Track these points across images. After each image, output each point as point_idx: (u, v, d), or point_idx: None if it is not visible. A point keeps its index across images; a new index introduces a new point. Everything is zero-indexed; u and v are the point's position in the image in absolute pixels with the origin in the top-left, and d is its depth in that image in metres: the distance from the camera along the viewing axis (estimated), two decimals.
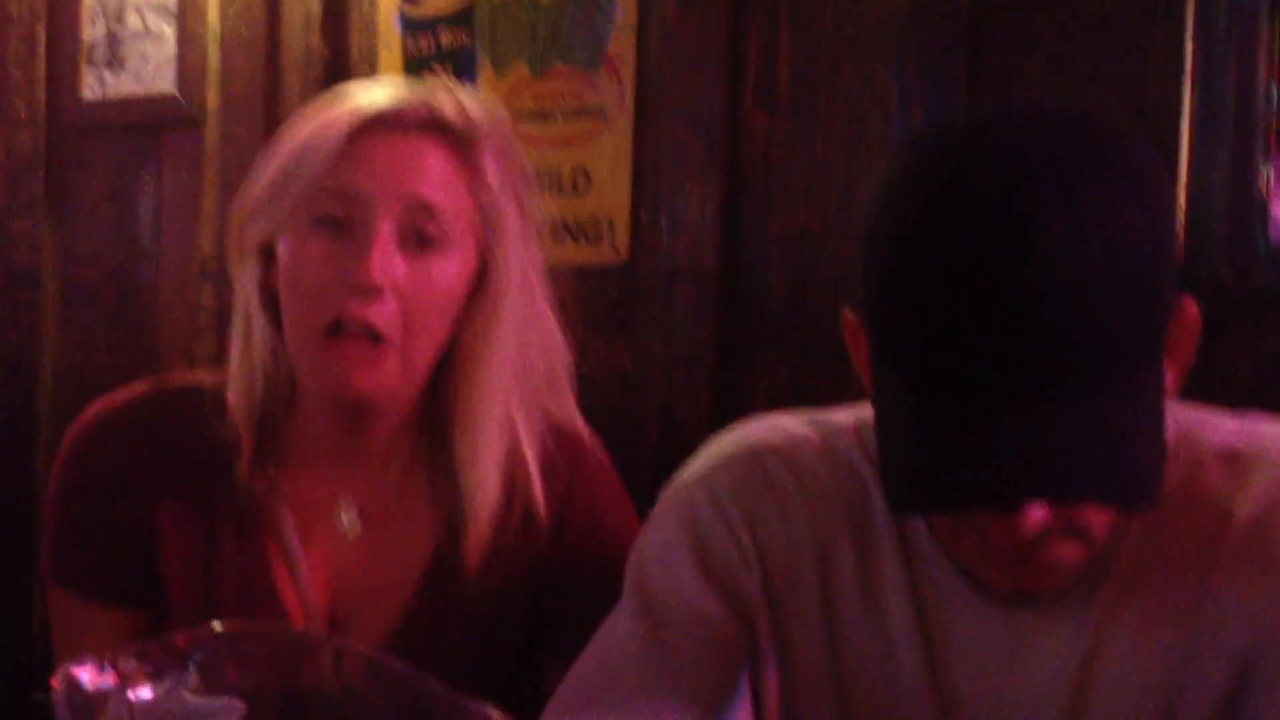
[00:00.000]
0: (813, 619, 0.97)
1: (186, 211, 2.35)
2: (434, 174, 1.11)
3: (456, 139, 1.13)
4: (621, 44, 1.91)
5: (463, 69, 2.07)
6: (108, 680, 0.52)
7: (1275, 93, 1.44)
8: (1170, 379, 0.85)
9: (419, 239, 1.11)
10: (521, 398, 1.19)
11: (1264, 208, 1.44)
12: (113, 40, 2.44)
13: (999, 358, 0.77)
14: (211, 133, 2.31)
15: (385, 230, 1.09)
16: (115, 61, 2.44)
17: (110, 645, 1.14)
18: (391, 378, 1.12)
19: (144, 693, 0.52)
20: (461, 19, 2.07)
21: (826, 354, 0.97)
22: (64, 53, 2.48)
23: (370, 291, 1.09)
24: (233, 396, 1.18)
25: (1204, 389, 1.43)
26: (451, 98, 1.16)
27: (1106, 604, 0.90)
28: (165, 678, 0.53)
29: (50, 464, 2.43)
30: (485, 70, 2.05)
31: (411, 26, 2.12)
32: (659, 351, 1.86)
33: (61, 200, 2.50)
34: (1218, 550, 0.88)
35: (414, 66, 2.12)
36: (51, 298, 2.49)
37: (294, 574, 1.18)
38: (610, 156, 1.92)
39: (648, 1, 1.89)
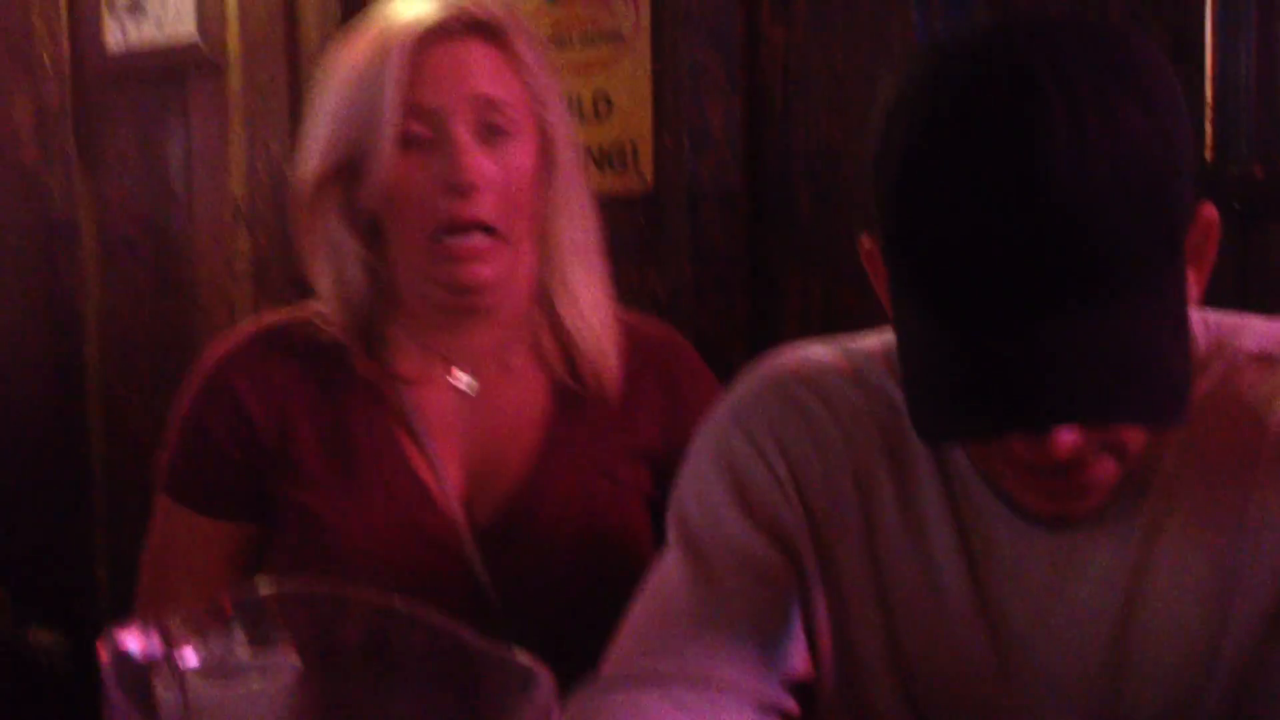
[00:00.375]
0: (856, 546, 0.97)
1: (215, 157, 2.36)
2: (489, 71, 1.23)
3: (496, 35, 1.24)
4: None
5: None
6: (155, 645, 0.54)
7: None
8: (1193, 287, 0.85)
9: (492, 132, 1.22)
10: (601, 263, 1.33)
11: None
12: None
13: (1014, 267, 0.76)
14: (235, 77, 2.31)
15: (464, 133, 1.20)
16: (136, 8, 2.44)
17: (212, 560, 1.27)
18: (503, 265, 1.24)
19: (191, 656, 0.55)
20: None
21: (857, 269, 0.96)
22: (85, 2, 2.49)
23: (470, 190, 1.19)
24: (334, 315, 1.29)
25: (1240, 284, 1.43)
26: (478, 7, 1.25)
27: (1150, 518, 0.90)
28: (212, 639, 0.55)
29: (98, 412, 2.51)
30: None
31: None
32: (690, 276, 1.86)
33: (92, 152, 2.52)
34: (1258, 457, 0.88)
35: None
36: (90, 249, 2.53)
37: (421, 447, 1.27)
38: (630, 80, 1.91)
39: None
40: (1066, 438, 0.79)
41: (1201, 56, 1.45)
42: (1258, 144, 1.43)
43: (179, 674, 0.54)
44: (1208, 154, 1.45)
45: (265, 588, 0.58)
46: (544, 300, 1.32)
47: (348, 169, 1.24)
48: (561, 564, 1.25)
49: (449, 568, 1.23)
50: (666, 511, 1.08)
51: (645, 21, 1.89)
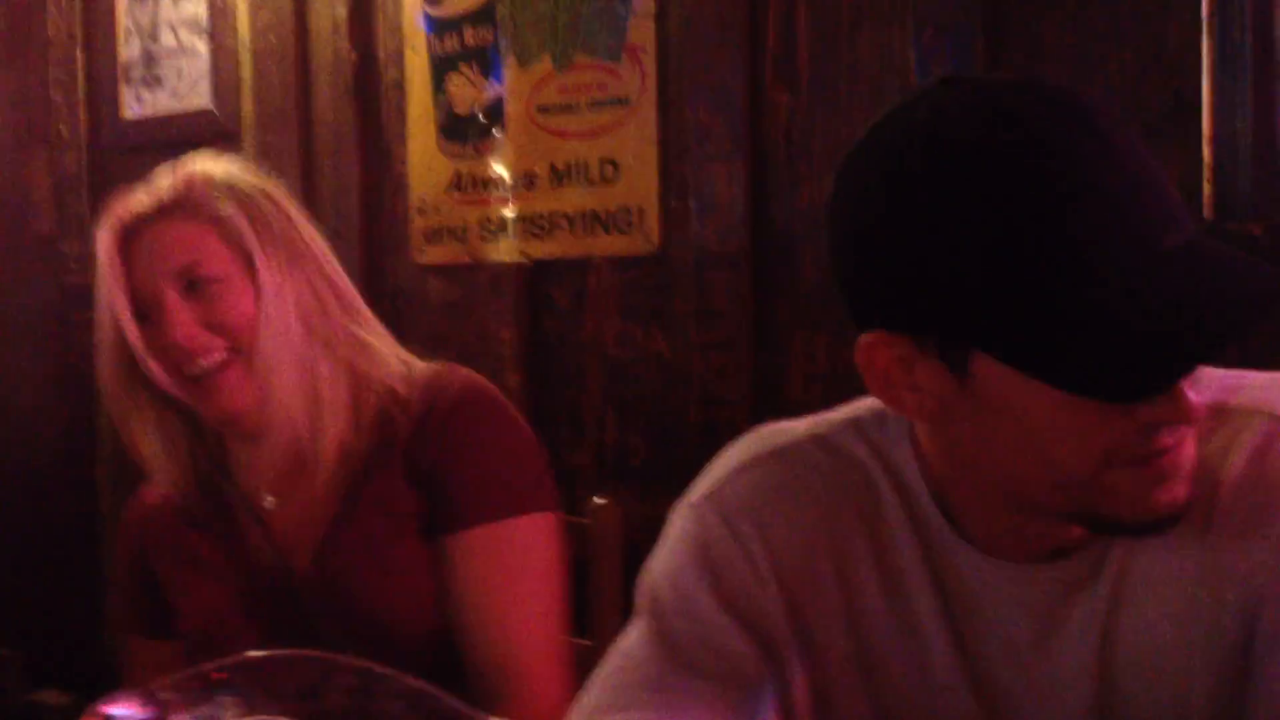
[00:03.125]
0: (837, 623, 0.96)
1: None
2: (171, 241, 1.37)
3: (170, 208, 1.38)
4: (642, 32, 1.92)
5: (488, 65, 2.10)
6: (144, 713, 0.55)
7: None
8: None
9: (194, 287, 1.35)
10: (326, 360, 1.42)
11: None
12: (148, 58, 2.49)
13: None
14: (248, 144, 2.35)
15: (171, 301, 1.35)
16: (152, 79, 2.49)
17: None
18: (248, 392, 1.37)
19: None
20: (484, 16, 2.09)
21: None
22: (102, 73, 2.54)
23: (185, 352, 1.35)
24: (164, 477, 1.46)
25: (1238, 344, 1.44)
26: (168, 178, 1.40)
27: (1116, 572, 0.90)
28: (201, 706, 0.56)
29: (108, 475, 2.53)
30: (510, 65, 2.07)
31: (436, 27, 2.15)
32: (695, 336, 1.88)
33: None
34: (1212, 512, 0.88)
35: (440, 66, 2.15)
36: None
37: (254, 519, 1.45)
38: (636, 144, 1.94)
39: None
40: (1193, 397, 0.81)
41: (1199, 117, 1.47)
42: (1256, 203, 1.44)
43: None
44: (1206, 212, 1.46)
45: (251, 654, 0.59)
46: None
47: (130, 359, 1.39)
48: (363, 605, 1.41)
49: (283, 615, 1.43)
50: (444, 528, 1.32)
51: (651, 87, 1.92)
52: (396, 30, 2.19)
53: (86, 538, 2.58)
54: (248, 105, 2.35)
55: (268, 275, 1.39)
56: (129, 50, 2.51)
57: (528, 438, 1.43)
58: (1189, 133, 1.48)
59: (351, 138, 2.24)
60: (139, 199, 1.40)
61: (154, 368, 1.36)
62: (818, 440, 1.01)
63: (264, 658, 0.58)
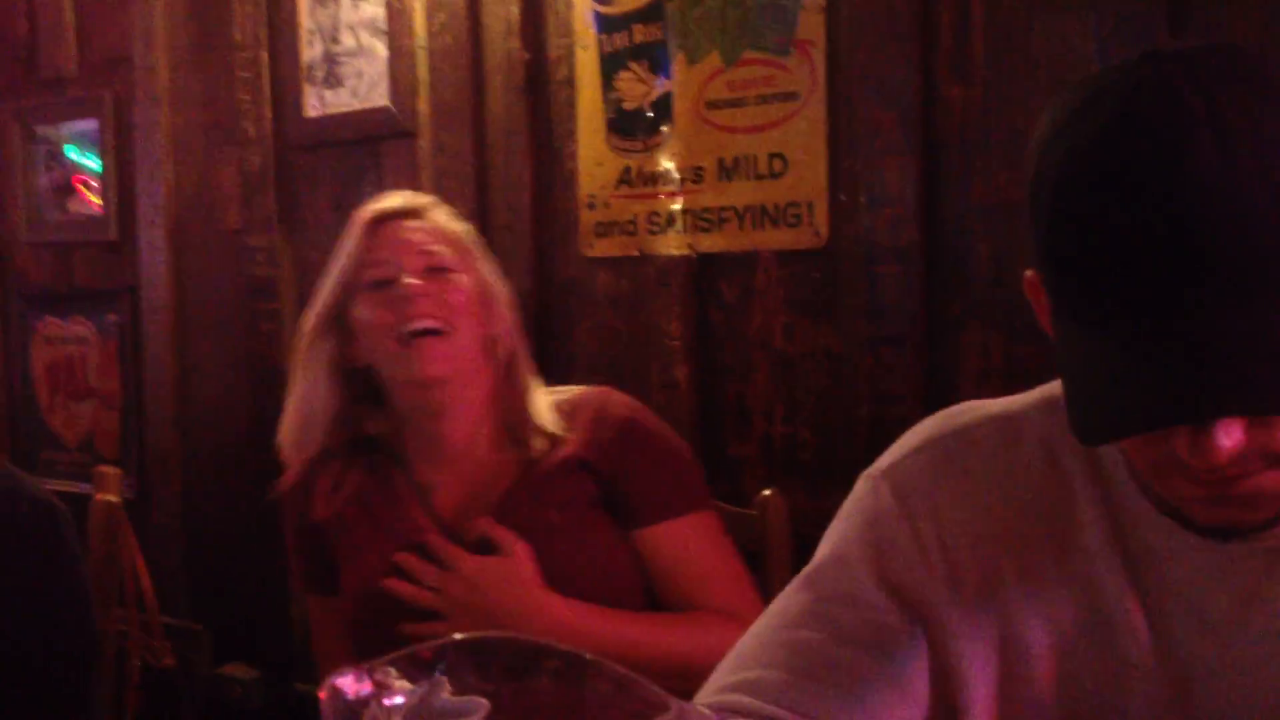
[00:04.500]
0: (1012, 601, 0.97)
1: None
2: (421, 235, 1.69)
3: (418, 213, 1.73)
4: (811, 26, 1.93)
5: (657, 62, 2.12)
6: (365, 688, 0.59)
7: None
8: None
9: (433, 271, 1.67)
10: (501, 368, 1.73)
11: None
12: (330, 59, 2.58)
13: (1168, 273, 0.78)
14: (424, 141, 2.43)
15: (410, 270, 1.65)
16: (333, 79, 2.58)
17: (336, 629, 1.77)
18: (453, 359, 1.63)
19: (398, 698, 0.59)
20: (653, 13, 2.12)
21: (1034, 326, 0.96)
22: (286, 74, 2.64)
23: (413, 299, 1.63)
24: (286, 436, 1.84)
25: None
26: (413, 194, 1.82)
27: None
28: (417, 684, 0.59)
29: None
30: (679, 62, 2.09)
31: (606, 25, 2.18)
32: (865, 332, 1.88)
33: (292, 214, 2.66)
34: None
35: (610, 63, 2.18)
36: (289, 307, 2.66)
37: (422, 500, 1.70)
38: (805, 139, 1.94)
39: None
40: (1226, 443, 0.78)
41: None
42: None
43: (386, 714, 0.58)
44: None
45: (459, 635, 0.62)
46: (500, 398, 1.71)
47: (337, 320, 1.69)
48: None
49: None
50: (633, 524, 1.62)
51: (821, 81, 1.92)
52: (567, 29, 2.23)
53: (271, 519, 2.68)
54: (424, 104, 2.42)
55: (483, 278, 1.71)
56: (311, 51, 2.60)
57: (685, 446, 1.71)
58: None
59: (523, 134, 2.29)
60: (391, 199, 1.74)
61: (380, 320, 1.63)
62: (1004, 419, 1.02)
63: (472, 639, 0.62)
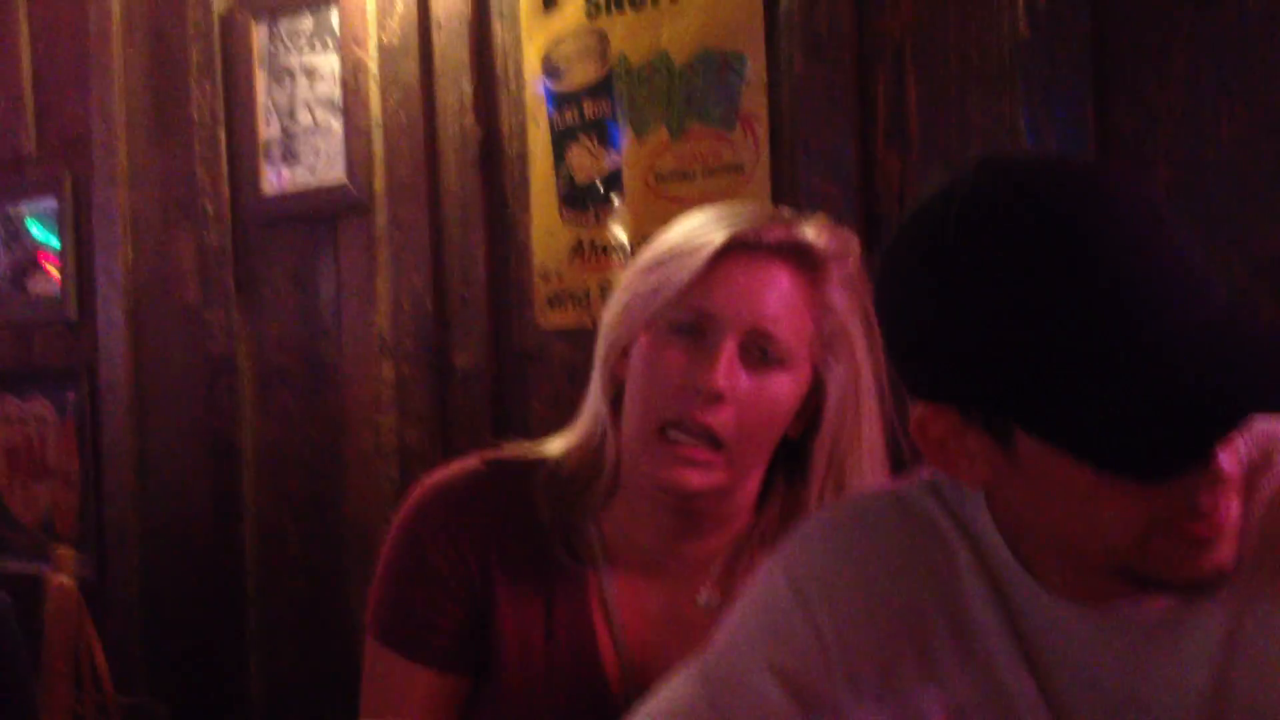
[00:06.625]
0: (912, 683, 0.97)
1: (363, 292, 2.50)
2: (782, 298, 1.21)
3: (809, 263, 1.23)
4: (754, 101, 1.97)
5: (606, 136, 2.17)
6: None
7: None
8: None
9: (761, 356, 1.21)
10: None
11: None
12: (287, 137, 2.62)
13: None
14: (381, 216, 2.46)
15: (731, 346, 1.19)
16: (290, 156, 2.61)
17: (422, 708, 1.24)
18: (720, 479, 1.21)
19: None
20: (602, 89, 2.17)
21: None
22: (244, 152, 2.67)
23: (713, 398, 1.18)
24: (572, 469, 1.30)
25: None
26: (810, 225, 1.26)
27: (1230, 617, 0.90)
28: None
29: (253, 534, 2.63)
30: (627, 136, 2.14)
31: (557, 101, 2.23)
32: None
33: (250, 289, 2.68)
34: None
35: (561, 138, 2.22)
36: (248, 381, 2.67)
37: (616, 640, 1.28)
38: None
39: (777, 58, 1.95)
40: (1227, 466, 0.83)
41: None
42: None
43: None
44: None
45: None
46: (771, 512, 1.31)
47: (625, 344, 1.26)
48: None
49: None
50: None
51: (765, 154, 1.97)
52: (519, 105, 2.28)
53: (230, 595, 2.68)
54: (379, 179, 2.45)
55: (834, 399, 1.24)
56: (268, 129, 2.64)
57: None
58: None
59: (478, 208, 2.32)
60: (786, 225, 1.24)
61: (660, 393, 1.21)
62: (895, 501, 1.03)
63: None
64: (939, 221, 0.87)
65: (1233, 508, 0.86)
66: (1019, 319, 0.82)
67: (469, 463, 1.35)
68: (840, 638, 0.98)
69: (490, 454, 1.36)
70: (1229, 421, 0.80)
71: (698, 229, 1.23)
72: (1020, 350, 0.82)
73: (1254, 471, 0.90)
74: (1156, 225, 0.84)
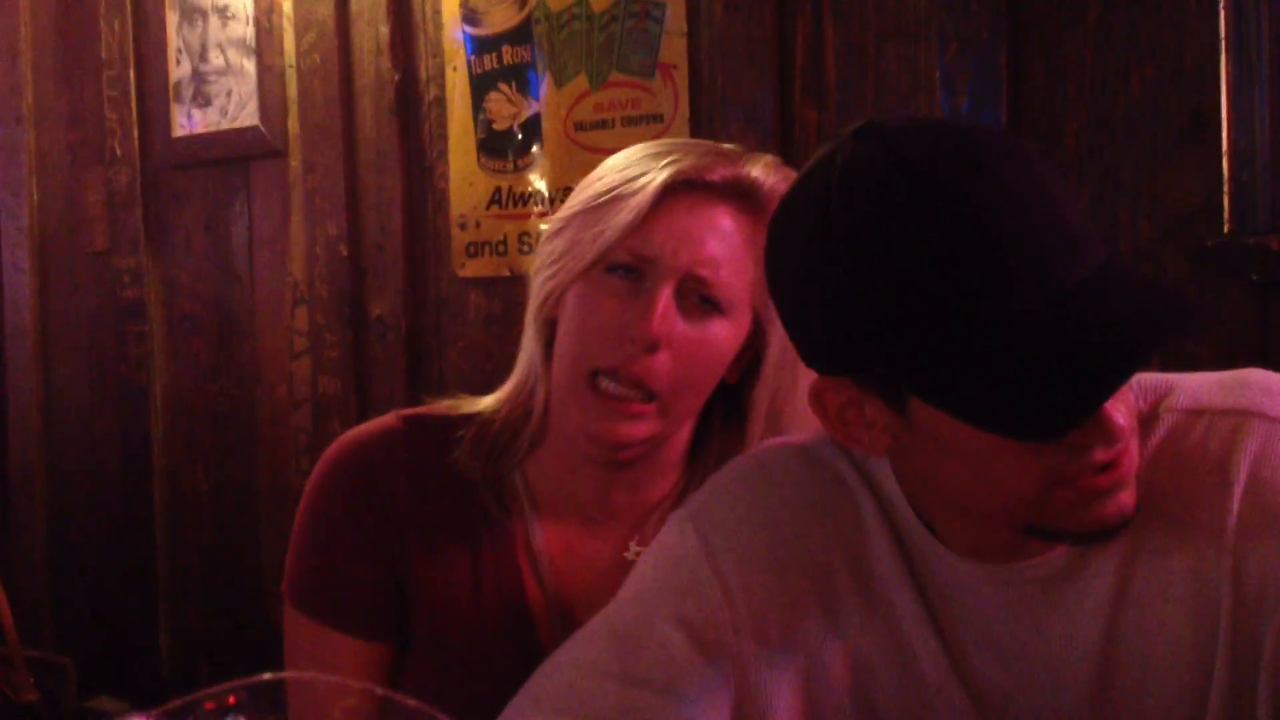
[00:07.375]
0: (818, 634, 0.98)
1: (276, 238, 2.45)
2: (724, 241, 1.14)
3: (754, 204, 1.15)
4: (674, 51, 1.95)
5: (526, 84, 2.14)
6: None
7: None
8: None
9: (700, 302, 1.14)
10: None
11: None
12: (198, 78, 2.55)
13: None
14: (295, 160, 2.41)
15: (668, 292, 1.12)
16: (201, 98, 2.55)
17: (345, 675, 1.07)
18: (652, 429, 1.16)
19: None
20: (521, 35, 2.13)
21: None
22: (154, 93, 2.60)
23: (648, 347, 1.12)
24: (502, 421, 1.23)
25: (1260, 354, 1.45)
26: (757, 163, 1.17)
27: (1117, 573, 0.91)
28: None
29: (162, 484, 2.59)
30: (547, 84, 2.11)
31: (476, 46, 2.19)
32: None
33: (160, 235, 2.63)
34: (1227, 514, 0.88)
35: (480, 84, 2.19)
36: (158, 328, 2.62)
37: (544, 590, 1.23)
38: None
39: (696, 8, 1.93)
40: (1120, 420, 0.83)
41: (1218, 133, 1.48)
42: (1274, 216, 1.45)
43: None
44: (1225, 226, 1.47)
45: (268, 675, 0.62)
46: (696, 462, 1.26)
47: (562, 288, 1.18)
48: None
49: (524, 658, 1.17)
50: None
51: (684, 103, 1.95)
52: (437, 49, 2.24)
53: (139, 545, 2.64)
54: (294, 123, 2.40)
55: (775, 347, 1.17)
56: (179, 70, 2.57)
57: None
58: (1208, 147, 1.49)
59: (394, 154, 2.28)
60: (732, 162, 1.15)
61: (592, 340, 1.13)
62: (802, 453, 1.03)
63: (273, 679, 0.62)
64: (820, 191, 0.86)
65: (1131, 454, 0.87)
66: (902, 286, 0.82)
67: (385, 420, 1.28)
68: (746, 590, 0.98)
69: (408, 411, 1.29)
70: (1112, 377, 0.80)
71: (637, 165, 1.15)
72: (905, 317, 0.82)
73: (1142, 424, 0.91)
74: (1034, 184, 0.83)
